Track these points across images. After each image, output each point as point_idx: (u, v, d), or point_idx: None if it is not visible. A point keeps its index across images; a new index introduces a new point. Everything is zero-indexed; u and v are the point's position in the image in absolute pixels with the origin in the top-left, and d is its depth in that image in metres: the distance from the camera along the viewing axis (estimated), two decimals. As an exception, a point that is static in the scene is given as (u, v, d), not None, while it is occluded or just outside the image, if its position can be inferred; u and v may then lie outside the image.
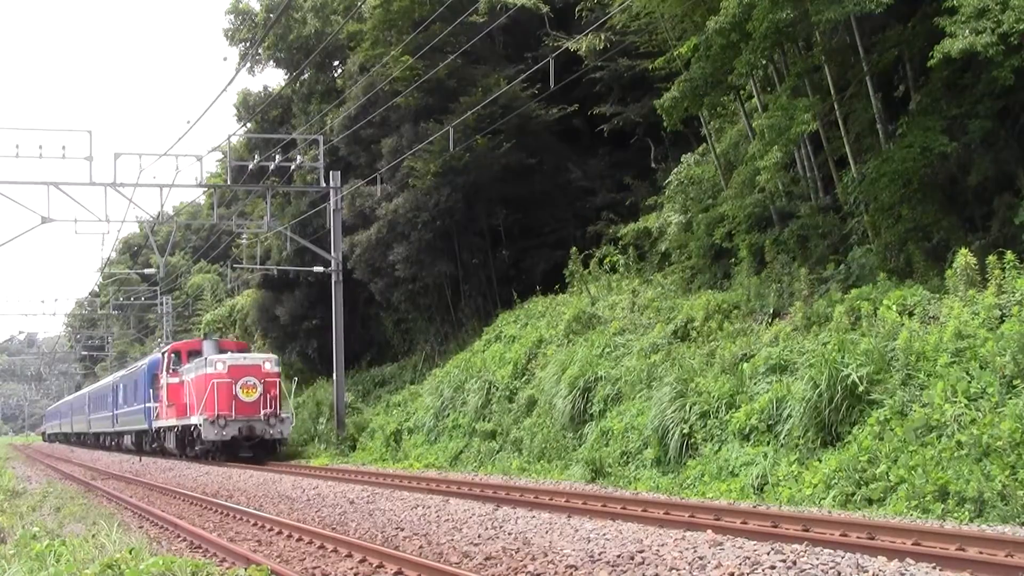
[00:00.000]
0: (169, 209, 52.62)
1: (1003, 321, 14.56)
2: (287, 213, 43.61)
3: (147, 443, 44.04)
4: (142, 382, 43.25)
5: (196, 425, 33.43)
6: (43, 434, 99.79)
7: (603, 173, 33.82)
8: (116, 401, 51.84)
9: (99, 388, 61.51)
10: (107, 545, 10.93)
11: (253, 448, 32.89)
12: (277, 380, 33.16)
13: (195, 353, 36.68)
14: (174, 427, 37.30)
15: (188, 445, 36.06)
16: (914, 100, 19.33)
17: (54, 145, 70.21)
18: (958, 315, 15.08)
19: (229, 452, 32.98)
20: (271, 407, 32.56)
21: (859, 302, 17.25)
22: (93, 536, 11.82)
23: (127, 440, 49.71)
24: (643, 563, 9.19)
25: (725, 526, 11.22)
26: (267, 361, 33.67)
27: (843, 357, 15.50)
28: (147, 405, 41.84)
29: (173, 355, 38.65)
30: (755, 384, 17.68)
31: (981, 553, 9.13)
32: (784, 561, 8.63)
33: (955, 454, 12.82)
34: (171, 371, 37.60)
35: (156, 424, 40.62)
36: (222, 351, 35.32)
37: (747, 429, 16.81)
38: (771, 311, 20.09)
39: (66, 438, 79.98)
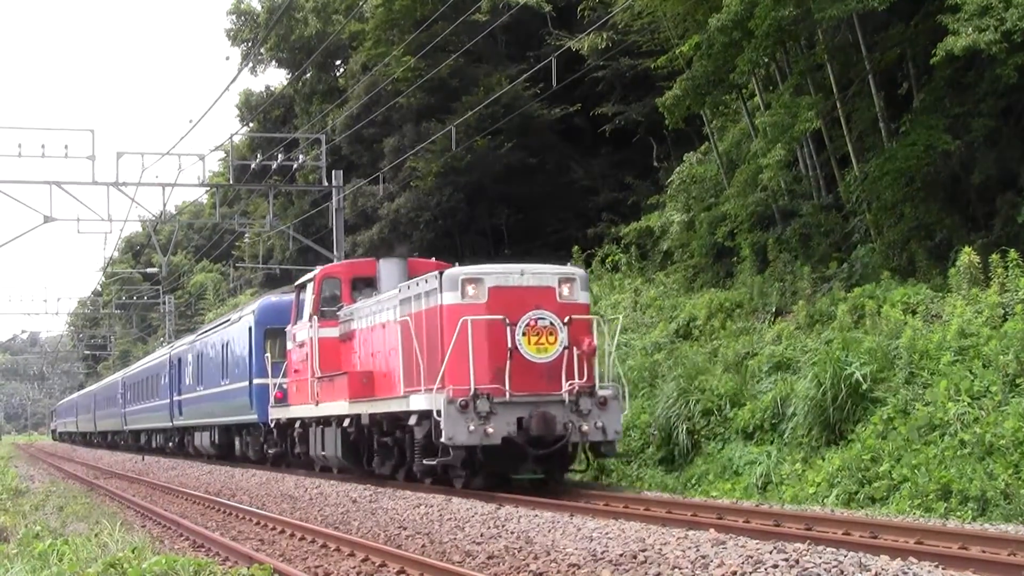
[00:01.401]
0: (171, 208, 52.79)
1: (1006, 320, 14.56)
2: (289, 212, 43.65)
3: (249, 446, 27.50)
4: (244, 345, 27.18)
5: (419, 414, 16.17)
6: (52, 432, 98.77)
7: (605, 172, 33.82)
8: (177, 383, 35.71)
9: (141, 370, 45.24)
10: (110, 544, 10.93)
11: (543, 460, 15.82)
12: (591, 320, 16.28)
13: (366, 282, 20.33)
14: (340, 419, 19.32)
15: (384, 453, 18.40)
16: (917, 98, 19.32)
17: (57, 144, 70.33)
18: (961, 313, 15.08)
19: (496, 468, 16.09)
20: (584, 374, 15.75)
21: (862, 300, 17.25)
22: (96, 535, 11.82)
23: (201, 440, 32.39)
24: (645, 562, 9.18)
25: (728, 525, 11.21)
26: (566, 281, 16.18)
27: (847, 355, 15.49)
28: (255, 383, 25.89)
29: (325, 288, 20.88)
30: (758, 383, 17.68)
31: (984, 552, 9.12)
32: (787, 560, 8.62)
33: (958, 453, 12.81)
34: (322, 316, 20.54)
35: (280, 414, 23.04)
36: (417, 273, 18.53)
37: (750, 428, 16.81)
38: (773, 310, 20.10)
39: (84, 438, 67.88)
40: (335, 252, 34.46)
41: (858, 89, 20.43)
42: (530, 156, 33.25)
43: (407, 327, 16.77)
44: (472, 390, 15.33)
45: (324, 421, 20.42)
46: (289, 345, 22.85)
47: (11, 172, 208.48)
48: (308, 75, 43.72)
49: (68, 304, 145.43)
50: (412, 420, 16.45)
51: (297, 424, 22.21)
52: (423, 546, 11.35)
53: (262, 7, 46.97)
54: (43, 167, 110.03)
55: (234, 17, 48.28)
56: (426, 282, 16.56)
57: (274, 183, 38.46)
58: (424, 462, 16.45)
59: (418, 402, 16.14)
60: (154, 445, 42.50)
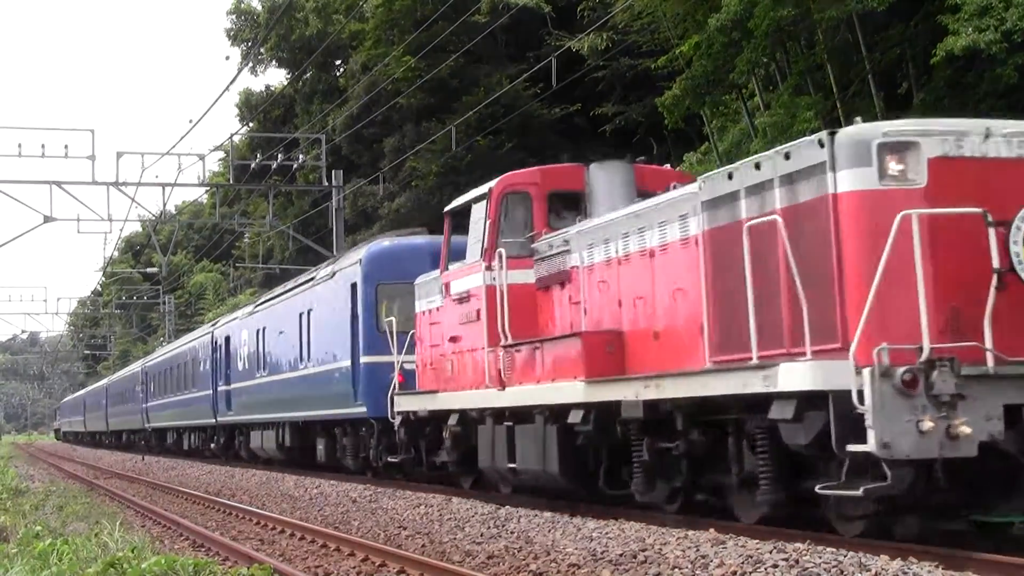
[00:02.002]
0: (171, 208, 52.90)
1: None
2: (289, 212, 43.71)
3: (347, 449, 20.47)
4: (343, 310, 19.99)
5: (799, 400, 8.65)
6: (56, 432, 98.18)
7: (605, 172, 33.84)
8: (224, 369, 29.34)
9: (170, 356, 38.19)
10: (110, 544, 10.92)
11: None
12: None
13: (566, 201, 13.68)
14: (561, 411, 12.01)
15: (655, 469, 10.99)
16: (917, 98, 19.34)
17: (57, 144, 70.43)
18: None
19: (942, 501, 8.82)
20: None
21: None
22: (96, 535, 11.82)
23: (262, 442, 25.66)
24: (645, 562, 9.18)
25: (727, 524, 11.21)
26: None
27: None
28: (362, 362, 19.12)
29: (508, 208, 13.71)
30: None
31: (984, 552, 9.11)
32: (787, 560, 8.62)
33: (958, 452, 12.74)
34: (509, 256, 13.33)
35: (417, 404, 15.91)
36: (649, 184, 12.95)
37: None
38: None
39: (94, 439, 62.64)
40: (335, 252, 34.52)
41: (858, 89, 20.45)
42: (530, 156, 33.26)
43: (758, 237, 9.33)
44: (925, 352, 8.22)
45: (517, 415, 13.02)
46: (426, 304, 15.85)
47: (11, 172, 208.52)
48: (308, 75, 43.75)
49: (68, 304, 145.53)
50: (781, 411, 8.90)
51: (452, 420, 14.73)
52: (423, 546, 11.35)
53: (262, 7, 47.03)
54: (43, 167, 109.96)
55: (234, 17, 48.33)
56: (785, 158, 9.29)
57: (274, 183, 38.49)
58: (819, 490, 8.87)
59: (797, 377, 8.72)
60: (187, 447, 35.35)
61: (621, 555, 9.52)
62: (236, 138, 43.51)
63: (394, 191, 35.74)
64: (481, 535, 11.72)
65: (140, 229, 74.90)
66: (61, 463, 41.16)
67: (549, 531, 11.44)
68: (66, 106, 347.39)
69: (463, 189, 26.84)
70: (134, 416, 44.31)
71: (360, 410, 19.15)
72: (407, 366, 16.70)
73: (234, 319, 29.97)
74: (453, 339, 14.74)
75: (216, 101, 59.62)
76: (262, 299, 28.30)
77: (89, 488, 24.16)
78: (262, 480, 22.82)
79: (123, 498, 20.70)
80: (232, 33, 48.41)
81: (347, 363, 19.86)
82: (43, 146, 31.23)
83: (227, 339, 29.72)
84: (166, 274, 59.05)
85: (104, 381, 60.87)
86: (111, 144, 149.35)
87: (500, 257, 13.30)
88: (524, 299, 13.32)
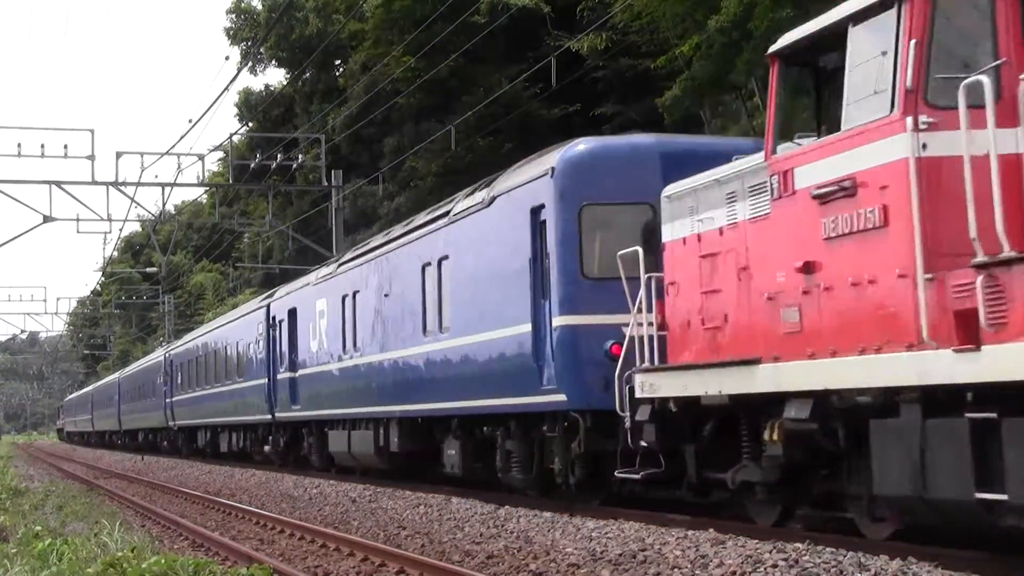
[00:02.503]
0: (171, 208, 52.79)
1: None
2: (289, 212, 43.73)
3: (510, 457, 14.25)
4: (513, 249, 13.58)
5: None
6: (59, 432, 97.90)
7: (605, 172, 33.86)
8: (286, 353, 23.87)
9: (200, 342, 33.31)
10: (109, 544, 10.93)
11: None
12: None
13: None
14: None
15: None
16: (916, 99, 19.35)
17: (56, 144, 70.44)
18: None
19: None
20: None
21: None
22: (95, 535, 11.83)
23: (350, 444, 19.99)
24: (645, 561, 9.19)
25: (727, 524, 11.21)
26: None
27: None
28: (555, 324, 12.53)
29: (937, 26, 7.61)
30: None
31: (984, 552, 9.11)
32: (786, 559, 8.63)
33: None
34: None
35: (700, 383, 9.96)
36: None
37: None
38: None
39: (103, 439, 57.35)
40: (335, 252, 34.55)
41: (858, 89, 20.46)
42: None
43: None
44: None
45: (1002, 398, 6.94)
46: (691, 226, 10.63)
47: (11, 172, 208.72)
48: (308, 75, 43.77)
49: (68, 304, 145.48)
50: None
51: (794, 411, 8.97)
52: (422, 546, 11.36)
53: (262, 6, 47.05)
54: (43, 167, 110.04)
55: (234, 16, 48.35)
56: None
57: (273, 183, 38.50)
58: None
59: None
60: (225, 448, 29.93)
61: (621, 555, 9.53)
62: (236, 138, 43.56)
63: (394, 191, 35.77)
64: (481, 535, 11.73)
65: (140, 229, 74.90)
66: (61, 463, 41.14)
67: (549, 531, 11.45)
68: (66, 106, 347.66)
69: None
70: (155, 413, 38.34)
71: (555, 398, 12.71)
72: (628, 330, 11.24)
73: (303, 286, 23.53)
74: (806, 268, 8.68)
75: (216, 101, 59.70)
76: (346, 256, 21.50)
77: (89, 488, 24.17)
78: (262, 480, 22.84)
79: (123, 498, 20.71)
80: (232, 33, 48.42)
81: (525, 328, 13.25)
82: (43, 146, 31.28)
83: (291, 312, 23.72)
84: (166, 274, 59.07)
85: (116, 374, 54.15)
86: (111, 144, 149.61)
87: (962, 100, 7.17)
88: (1000, 180, 7.09)
